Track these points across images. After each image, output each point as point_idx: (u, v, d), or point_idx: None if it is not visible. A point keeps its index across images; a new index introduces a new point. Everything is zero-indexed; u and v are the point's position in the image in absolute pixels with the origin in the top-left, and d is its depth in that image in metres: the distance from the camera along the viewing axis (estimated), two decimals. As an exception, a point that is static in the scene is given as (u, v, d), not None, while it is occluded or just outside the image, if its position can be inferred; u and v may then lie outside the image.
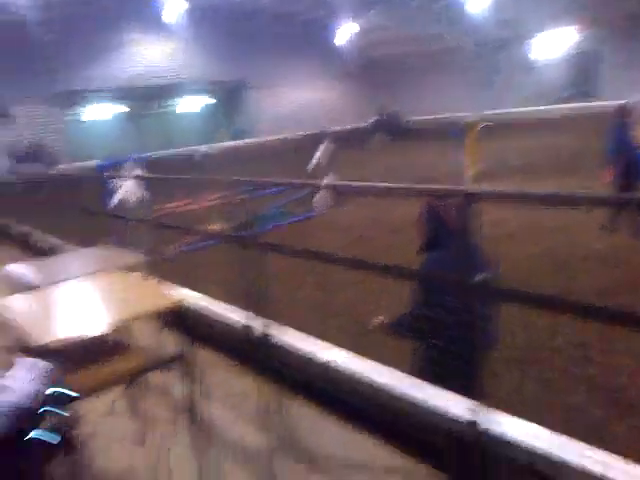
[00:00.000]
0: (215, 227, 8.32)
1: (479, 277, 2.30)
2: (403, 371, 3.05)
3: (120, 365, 2.80)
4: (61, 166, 18.13)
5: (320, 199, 11.93)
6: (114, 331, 2.79)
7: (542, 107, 25.47)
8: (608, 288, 5.42)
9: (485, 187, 9.24)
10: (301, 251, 3.68)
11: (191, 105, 30.97)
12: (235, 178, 4.13)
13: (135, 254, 4.21)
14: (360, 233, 9.01)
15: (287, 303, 5.51)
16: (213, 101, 30.72)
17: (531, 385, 3.94)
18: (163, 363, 2.91)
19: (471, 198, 2.10)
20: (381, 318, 2.92)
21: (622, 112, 7.45)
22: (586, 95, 24.94)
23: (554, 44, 23.91)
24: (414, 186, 2.94)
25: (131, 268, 3.97)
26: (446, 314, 2.33)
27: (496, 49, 26.32)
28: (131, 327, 3.18)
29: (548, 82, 26.32)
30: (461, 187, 2.13)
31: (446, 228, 2.62)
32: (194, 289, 5.14)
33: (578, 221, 8.29)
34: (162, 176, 5.58)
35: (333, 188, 3.22)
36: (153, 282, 3.72)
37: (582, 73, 25.65)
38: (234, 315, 4.29)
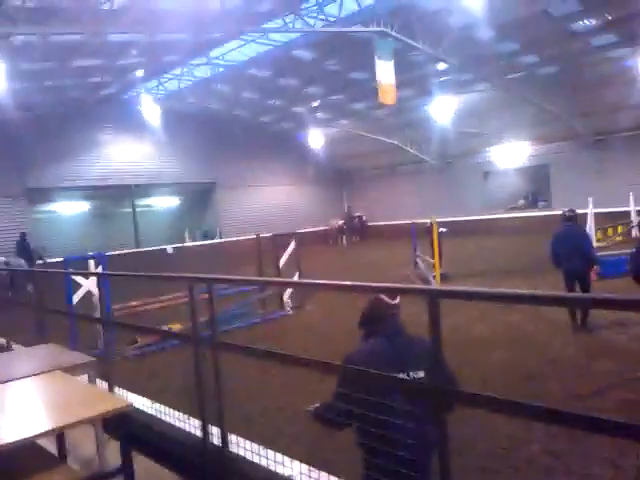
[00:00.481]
0: (176, 327, 8.05)
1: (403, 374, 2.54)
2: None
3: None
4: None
5: (287, 298, 11.84)
6: (49, 439, 2.51)
7: (496, 214, 26.81)
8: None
9: (449, 286, 9.43)
10: (264, 352, 3.51)
11: (161, 205, 31.42)
12: (200, 276, 4.01)
13: (85, 354, 3.95)
14: (325, 333, 8.83)
15: (248, 409, 5.21)
16: (183, 201, 31.26)
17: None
18: (103, 478, 2.62)
19: (437, 296, 2.04)
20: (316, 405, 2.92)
21: None
22: (538, 203, 26.55)
23: (511, 156, 25.59)
24: (380, 285, 2.88)
25: (79, 369, 3.71)
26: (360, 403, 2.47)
27: (458, 158, 27.91)
28: (70, 435, 2.89)
29: (505, 190, 27.90)
30: (427, 286, 2.07)
31: (383, 320, 2.85)
32: (145, 394, 4.80)
33: (545, 320, 8.38)
34: (124, 273, 5.40)
35: (300, 287, 3.11)
36: (99, 385, 3.46)
37: (535, 183, 27.38)
38: (187, 424, 3.97)
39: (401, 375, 2.54)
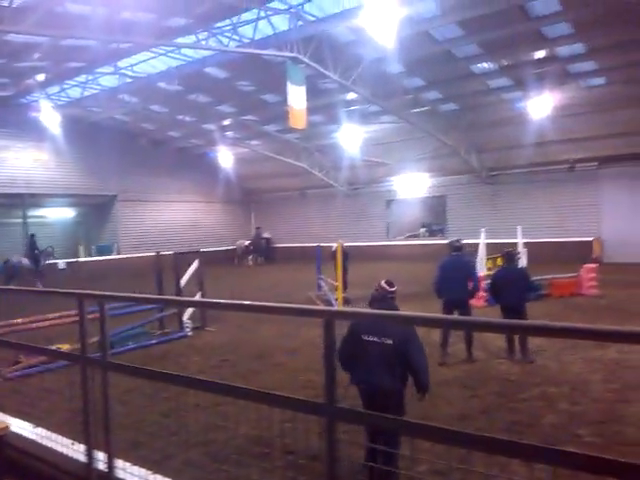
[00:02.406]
0: (65, 347, 7.58)
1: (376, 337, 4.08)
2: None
3: None
4: None
5: (187, 318, 11.53)
6: None
7: (397, 241, 27.98)
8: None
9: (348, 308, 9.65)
10: (156, 374, 3.41)
11: (56, 216, 29.52)
12: (91, 292, 3.84)
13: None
14: (224, 356, 8.69)
15: (136, 432, 4.99)
16: (80, 214, 29.60)
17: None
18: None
19: (331, 317, 2.11)
20: None
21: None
22: (436, 230, 28.01)
23: (412, 186, 26.83)
24: (283, 305, 2.91)
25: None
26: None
27: (363, 186, 28.82)
28: None
29: (406, 218, 29.17)
30: (322, 307, 2.13)
31: (382, 300, 4.40)
32: (26, 417, 4.47)
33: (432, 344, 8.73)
34: (4, 287, 5.04)
35: (198, 306, 3.06)
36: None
37: (433, 212, 28.87)
38: (71, 449, 3.75)
39: (373, 338, 4.09)
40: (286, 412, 2.64)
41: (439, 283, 8.23)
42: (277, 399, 2.50)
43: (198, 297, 10.60)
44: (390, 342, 4.04)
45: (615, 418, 5.55)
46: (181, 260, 11.47)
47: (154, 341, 9.91)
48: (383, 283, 4.52)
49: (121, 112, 23.55)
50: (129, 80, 19.43)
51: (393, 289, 4.49)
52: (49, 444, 3.92)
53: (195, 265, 11.36)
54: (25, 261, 20.32)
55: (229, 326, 11.03)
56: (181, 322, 10.55)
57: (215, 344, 9.70)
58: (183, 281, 11.12)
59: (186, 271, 11.27)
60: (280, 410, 2.69)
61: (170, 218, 28.86)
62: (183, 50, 16.76)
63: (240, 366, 8.02)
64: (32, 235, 21.73)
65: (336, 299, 12.84)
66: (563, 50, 16.01)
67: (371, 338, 4.09)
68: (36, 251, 21.06)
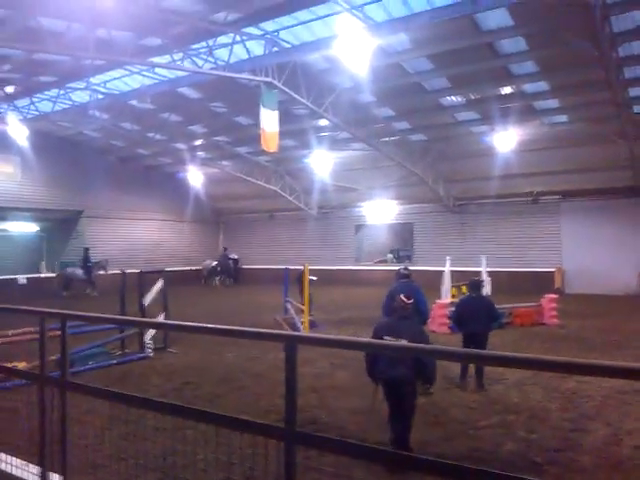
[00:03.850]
0: (22, 365, 7.37)
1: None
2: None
3: None
4: None
5: (149, 339, 11.33)
6: None
7: (365, 266, 28.21)
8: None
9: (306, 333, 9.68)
10: (117, 395, 3.37)
11: (18, 230, 28.67)
12: (53, 311, 3.78)
13: None
14: (186, 379, 8.54)
15: (94, 454, 4.87)
16: (44, 229, 28.84)
17: None
18: None
19: (293, 341, 2.14)
20: None
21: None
22: (403, 256, 28.39)
23: (381, 212, 27.16)
24: (244, 329, 2.92)
25: None
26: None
27: (333, 210, 29.04)
28: None
29: (374, 244, 29.47)
30: (283, 332, 2.16)
31: (399, 310, 5.78)
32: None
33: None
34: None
35: (165, 327, 3.05)
36: None
37: (401, 238, 29.19)
38: (25, 471, 3.64)
39: (391, 338, 5.13)
40: (249, 437, 2.63)
41: (386, 307, 8.26)
42: (236, 422, 2.50)
43: (161, 318, 10.43)
44: (404, 341, 4.93)
45: (571, 446, 5.67)
46: (146, 279, 11.30)
47: (114, 361, 9.70)
48: (402, 296, 5.77)
49: (91, 128, 23.30)
50: (101, 96, 19.28)
51: (410, 302, 5.74)
52: (2, 466, 3.81)
53: (159, 285, 11.21)
54: (80, 272, 23.36)
55: (192, 348, 10.86)
56: (142, 343, 10.35)
57: (177, 366, 9.54)
58: (147, 301, 10.95)
59: (150, 290, 11.10)
60: (242, 434, 2.68)
61: (137, 236, 28.44)
62: (157, 69, 16.75)
63: (202, 389, 7.90)
64: (87, 249, 24.21)
65: (302, 322, 12.82)
66: (528, 87, 16.64)
67: (389, 338, 5.19)
68: (89, 264, 23.66)
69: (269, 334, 2.51)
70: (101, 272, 23.84)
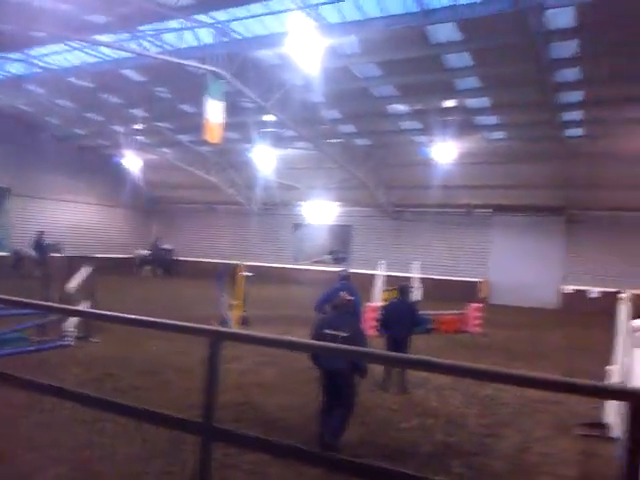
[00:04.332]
0: None
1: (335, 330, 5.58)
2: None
3: None
4: None
5: (70, 327, 10.87)
6: None
7: (303, 265, 28.34)
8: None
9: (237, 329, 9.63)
10: (31, 383, 3.21)
11: None
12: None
13: None
14: (108, 370, 8.25)
15: (7, 444, 4.64)
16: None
17: None
18: None
19: (218, 338, 2.10)
20: None
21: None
22: (340, 258, 28.59)
23: (321, 213, 27.32)
24: (167, 322, 2.86)
25: None
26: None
27: (274, 207, 28.93)
28: None
29: (313, 244, 29.58)
30: (209, 327, 2.13)
31: (340, 306, 6.21)
32: None
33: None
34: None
35: (86, 316, 2.93)
36: None
37: (339, 240, 29.52)
38: None
39: (332, 332, 5.49)
40: (176, 432, 2.56)
41: (320, 303, 8.46)
42: (153, 416, 2.44)
43: (85, 306, 10.03)
44: (345, 334, 5.41)
45: (485, 451, 5.90)
46: (75, 265, 10.85)
47: (32, 348, 9.24)
48: (344, 294, 6.26)
49: (24, 102, 22.13)
50: (38, 70, 18.35)
51: (351, 298, 6.32)
52: None
53: (85, 271, 10.77)
54: (33, 253, 23.35)
55: (116, 338, 10.49)
56: (62, 330, 9.91)
57: (98, 356, 9.20)
58: (72, 287, 10.51)
59: (74, 277, 10.66)
60: (164, 430, 2.62)
61: (67, 219, 27.26)
62: (101, 48, 16.13)
63: (124, 381, 7.66)
64: (42, 232, 24.28)
65: (230, 317, 12.68)
66: (470, 102, 17.19)
67: (330, 331, 5.49)
68: (44, 244, 23.69)
69: (193, 328, 2.46)
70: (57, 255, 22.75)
